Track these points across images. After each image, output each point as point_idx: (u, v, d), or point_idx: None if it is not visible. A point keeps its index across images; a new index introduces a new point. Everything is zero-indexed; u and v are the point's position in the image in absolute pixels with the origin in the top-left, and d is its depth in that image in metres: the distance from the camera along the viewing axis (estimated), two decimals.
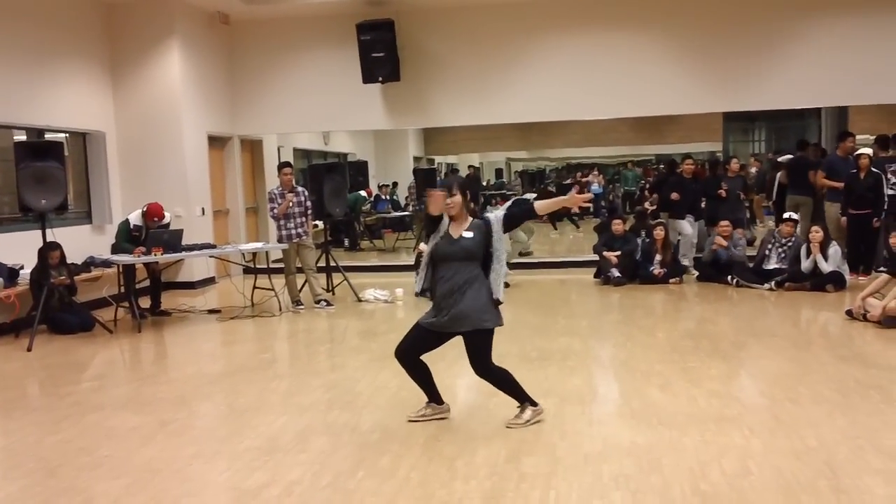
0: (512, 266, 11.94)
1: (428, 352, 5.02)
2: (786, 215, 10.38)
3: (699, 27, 11.92)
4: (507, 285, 10.61)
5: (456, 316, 4.79)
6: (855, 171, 10.50)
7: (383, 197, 20.10)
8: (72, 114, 10.70)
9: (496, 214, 4.95)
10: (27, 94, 9.80)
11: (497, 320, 4.90)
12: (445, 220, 4.92)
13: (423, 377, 5.08)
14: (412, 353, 5.00)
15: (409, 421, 5.09)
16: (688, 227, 11.46)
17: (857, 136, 17.90)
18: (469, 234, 4.86)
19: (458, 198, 4.86)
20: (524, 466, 4.26)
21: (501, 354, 6.78)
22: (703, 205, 11.76)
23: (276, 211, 9.68)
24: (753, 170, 15.99)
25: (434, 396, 5.16)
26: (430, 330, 4.92)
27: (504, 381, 5.00)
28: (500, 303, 4.91)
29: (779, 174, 13.28)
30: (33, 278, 8.47)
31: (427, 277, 4.98)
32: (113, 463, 4.58)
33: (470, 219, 4.95)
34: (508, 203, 5.08)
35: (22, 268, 8.83)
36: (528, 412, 4.98)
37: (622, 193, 23.85)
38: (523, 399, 5.01)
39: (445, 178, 5.70)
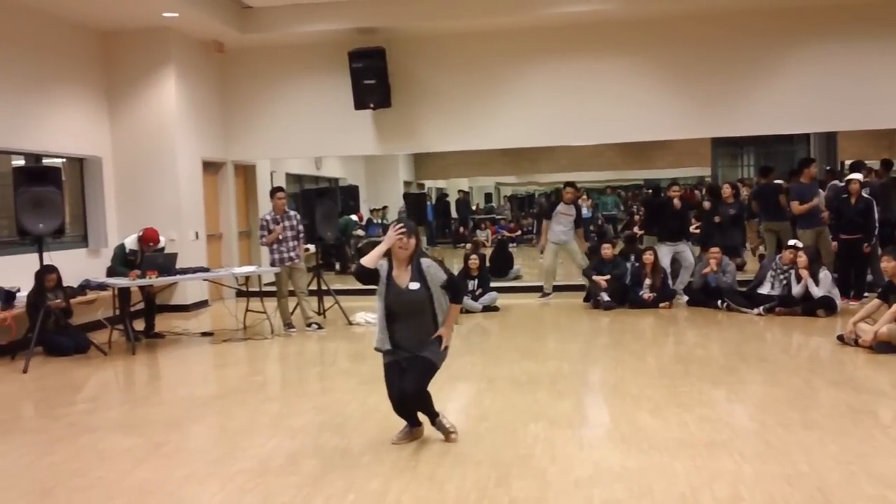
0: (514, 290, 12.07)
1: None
2: (790, 242, 10.33)
3: (686, 53, 12.07)
4: (496, 308, 10.80)
5: (415, 350, 4.96)
6: (846, 196, 10.62)
7: (374, 221, 20.18)
8: (69, 139, 10.77)
9: (437, 271, 4.98)
10: (26, 120, 9.89)
11: (443, 356, 5.06)
12: (383, 264, 4.95)
13: (410, 411, 5.17)
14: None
15: (393, 444, 5.14)
16: (666, 256, 11.34)
17: (847, 162, 18.15)
18: (415, 286, 4.93)
19: (413, 242, 4.93)
20: (514, 491, 4.27)
21: (491, 378, 6.87)
22: (693, 229, 11.81)
23: (264, 240, 9.75)
24: (744, 192, 16.05)
25: (414, 422, 5.23)
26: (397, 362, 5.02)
27: (424, 402, 5.07)
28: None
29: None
30: (30, 301, 8.51)
31: (385, 333, 5.02)
32: (106, 484, 4.60)
33: (411, 264, 4.99)
34: (449, 278, 5.03)
35: (18, 290, 8.87)
36: (446, 420, 5.15)
37: (601, 218, 23.92)
38: (434, 414, 5.12)
39: (400, 219, 5.40)
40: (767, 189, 12.17)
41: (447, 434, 5.13)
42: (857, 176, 10.84)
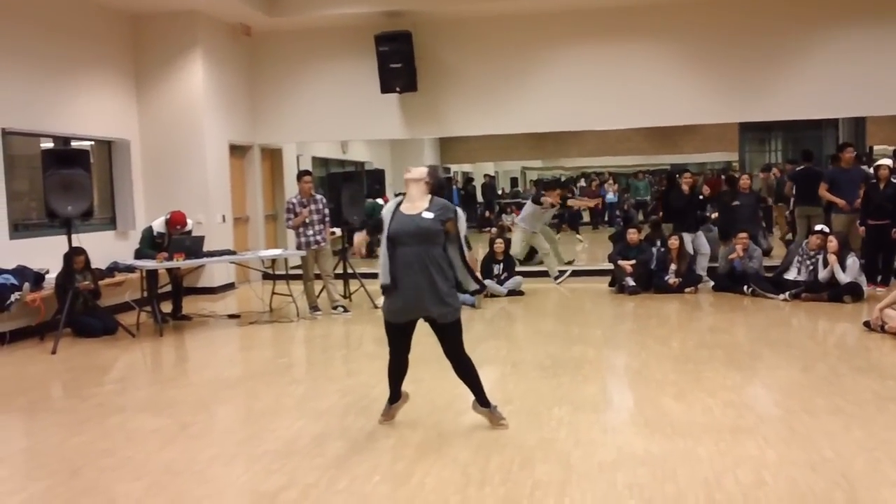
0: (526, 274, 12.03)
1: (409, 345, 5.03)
2: (817, 227, 10.20)
3: (713, 37, 11.95)
4: (521, 293, 10.77)
5: (419, 298, 4.75)
6: (874, 181, 10.48)
7: None
8: (98, 122, 10.86)
9: (448, 210, 4.85)
10: (54, 103, 9.98)
11: (459, 306, 4.91)
12: (389, 207, 4.86)
13: (401, 377, 5.16)
14: (405, 356, 5.05)
15: (381, 423, 5.23)
16: (689, 243, 11.21)
17: (875, 147, 17.92)
18: (429, 215, 4.76)
19: (420, 169, 4.82)
20: (538, 474, 4.29)
21: (515, 362, 6.89)
22: (712, 216, 11.72)
23: (290, 223, 9.80)
24: (773, 176, 15.82)
25: (397, 395, 5.24)
26: (399, 323, 4.89)
27: (471, 374, 4.99)
28: (480, 291, 4.86)
29: (786, 186, 13.28)
30: (58, 283, 8.63)
31: (387, 266, 4.77)
32: (134, 464, 4.67)
33: (430, 197, 4.86)
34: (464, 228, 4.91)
35: (47, 272, 8.98)
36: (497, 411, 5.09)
37: (633, 203, 23.78)
38: (485, 400, 5.05)
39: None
40: (806, 173, 12.05)
41: (496, 422, 5.06)
42: (887, 161, 10.70)
